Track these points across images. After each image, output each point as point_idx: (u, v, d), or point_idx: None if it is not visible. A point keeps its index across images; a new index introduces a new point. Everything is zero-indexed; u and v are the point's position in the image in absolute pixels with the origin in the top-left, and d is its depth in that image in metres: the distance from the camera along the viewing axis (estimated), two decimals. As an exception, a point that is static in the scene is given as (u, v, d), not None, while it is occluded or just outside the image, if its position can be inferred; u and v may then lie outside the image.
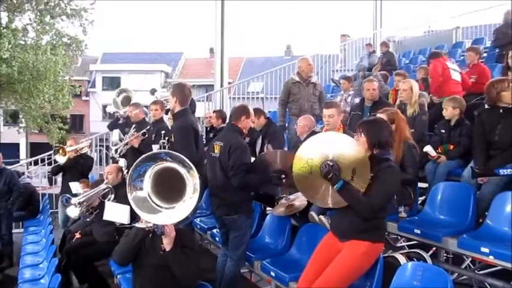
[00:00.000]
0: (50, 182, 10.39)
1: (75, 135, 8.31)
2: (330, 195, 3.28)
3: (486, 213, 4.13)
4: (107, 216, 4.50)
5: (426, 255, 4.26)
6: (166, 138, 5.13)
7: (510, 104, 4.33)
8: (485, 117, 4.53)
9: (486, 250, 3.55)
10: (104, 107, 24.35)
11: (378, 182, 3.22)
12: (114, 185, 5.44)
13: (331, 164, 3.16)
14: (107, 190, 5.28)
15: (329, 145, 3.28)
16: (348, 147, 3.26)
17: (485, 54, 9.20)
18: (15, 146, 28.04)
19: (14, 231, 7.24)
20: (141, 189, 3.42)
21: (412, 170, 4.49)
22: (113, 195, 5.30)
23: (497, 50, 8.24)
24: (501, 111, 4.37)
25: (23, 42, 17.77)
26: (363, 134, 3.37)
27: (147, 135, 6.25)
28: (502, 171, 3.98)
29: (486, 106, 4.64)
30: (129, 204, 3.63)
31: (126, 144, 6.42)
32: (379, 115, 4.34)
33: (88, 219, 5.23)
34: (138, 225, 3.76)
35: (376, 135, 3.35)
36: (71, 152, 6.93)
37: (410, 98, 5.41)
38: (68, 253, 5.35)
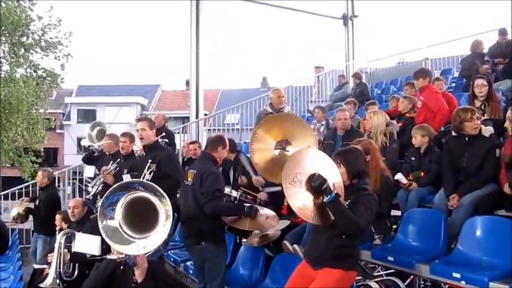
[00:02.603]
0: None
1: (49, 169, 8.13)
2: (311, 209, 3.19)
3: (458, 237, 4.17)
4: (77, 247, 4.37)
5: (400, 283, 4.27)
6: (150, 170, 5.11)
7: (473, 133, 4.45)
8: (452, 144, 4.65)
9: (458, 275, 3.57)
10: (79, 140, 24.04)
11: (360, 206, 3.23)
12: (80, 219, 5.34)
13: (323, 177, 3.11)
14: (68, 235, 4.72)
15: (313, 162, 3.25)
16: (328, 167, 3.27)
17: (453, 84, 9.49)
18: (-14, 181, 27.31)
19: (-20, 267, 7.00)
20: (112, 218, 3.36)
21: (386, 203, 4.55)
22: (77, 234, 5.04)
23: (464, 80, 8.50)
24: (467, 139, 4.49)
25: (-5, 75, 17.59)
26: (341, 164, 3.39)
27: (118, 169, 6.15)
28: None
29: (453, 133, 4.75)
30: (97, 235, 3.55)
31: (101, 181, 6.32)
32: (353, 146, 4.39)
33: (74, 276, 4.84)
34: (109, 256, 3.68)
35: (355, 165, 3.40)
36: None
37: (372, 128, 5.51)
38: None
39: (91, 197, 6.09)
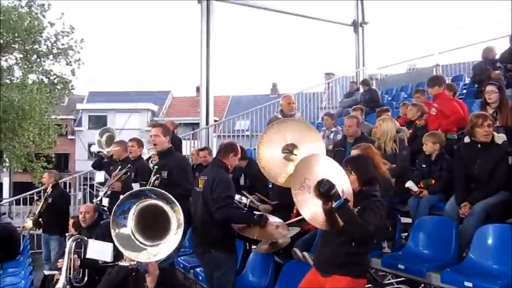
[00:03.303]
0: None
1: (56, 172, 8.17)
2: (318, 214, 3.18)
3: (469, 245, 4.13)
4: (90, 254, 4.39)
5: (411, 291, 4.24)
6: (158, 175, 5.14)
7: (483, 139, 4.40)
8: (464, 151, 4.61)
9: (469, 284, 3.53)
10: (90, 146, 24.26)
11: (370, 212, 3.22)
12: (90, 225, 5.39)
13: (331, 182, 3.09)
14: (78, 241, 4.73)
15: (321, 168, 3.24)
16: (337, 173, 3.26)
17: (464, 91, 9.43)
18: (-2, 186, 27.63)
19: (-9, 272, 7.05)
20: (125, 226, 3.39)
21: (386, 201, 4.50)
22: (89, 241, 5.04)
23: (476, 86, 8.45)
24: (479, 145, 4.45)
25: (8, 81, 17.78)
26: (352, 172, 3.37)
27: (128, 174, 6.18)
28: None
29: (465, 140, 4.71)
30: (108, 242, 3.58)
31: (109, 186, 6.34)
32: (353, 152, 4.38)
33: (84, 283, 4.71)
34: (121, 263, 3.70)
35: (366, 172, 3.40)
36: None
37: (381, 135, 5.47)
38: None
39: (99, 201, 6.11)
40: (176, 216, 3.37)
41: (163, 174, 5.02)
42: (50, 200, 7.15)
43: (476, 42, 11.34)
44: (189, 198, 4.95)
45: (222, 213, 4.14)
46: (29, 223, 7.10)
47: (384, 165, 4.50)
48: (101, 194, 6.36)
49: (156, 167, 5.22)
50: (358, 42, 14.52)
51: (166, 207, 3.39)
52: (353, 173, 3.37)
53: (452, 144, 5.40)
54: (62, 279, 4.40)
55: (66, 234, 5.75)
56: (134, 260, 3.49)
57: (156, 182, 5.06)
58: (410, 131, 6.21)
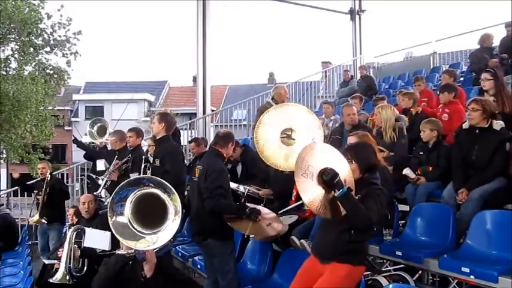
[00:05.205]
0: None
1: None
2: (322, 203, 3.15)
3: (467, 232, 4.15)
4: (88, 243, 4.39)
5: (409, 278, 4.26)
6: (147, 164, 5.18)
7: (477, 124, 4.41)
8: (462, 137, 4.61)
9: (467, 270, 3.56)
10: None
11: (371, 200, 3.20)
12: (90, 216, 5.41)
13: (334, 171, 3.06)
14: (78, 231, 4.72)
15: (324, 157, 3.21)
16: (339, 162, 3.24)
17: (461, 78, 9.42)
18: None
19: (-10, 263, 7.05)
20: (121, 214, 3.39)
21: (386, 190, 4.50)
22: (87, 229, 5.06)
23: (473, 74, 8.43)
24: (477, 131, 4.45)
25: (4, 73, 17.71)
26: (353, 160, 3.35)
27: (128, 164, 6.16)
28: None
29: (464, 126, 4.71)
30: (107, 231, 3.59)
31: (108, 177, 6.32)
32: (350, 138, 4.37)
33: (83, 273, 4.69)
34: (119, 251, 3.72)
35: (366, 160, 3.39)
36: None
37: (381, 122, 5.47)
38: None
39: (100, 193, 6.08)
40: (173, 205, 3.39)
41: (156, 162, 5.03)
42: (48, 190, 7.10)
43: (473, 30, 11.29)
44: (182, 186, 4.96)
45: (211, 204, 4.12)
46: (36, 216, 7.05)
47: (381, 153, 4.50)
48: (100, 182, 6.31)
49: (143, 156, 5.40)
50: (355, 30, 14.45)
51: (163, 196, 3.40)
52: (353, 162, 3.35)
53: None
54: (62, 269, 4.40)
55: (67, 223, 5.75)
56: (131, 249, 3.50)
57: (148, 171, 5.11)
58: (407, 118, 6.19)
